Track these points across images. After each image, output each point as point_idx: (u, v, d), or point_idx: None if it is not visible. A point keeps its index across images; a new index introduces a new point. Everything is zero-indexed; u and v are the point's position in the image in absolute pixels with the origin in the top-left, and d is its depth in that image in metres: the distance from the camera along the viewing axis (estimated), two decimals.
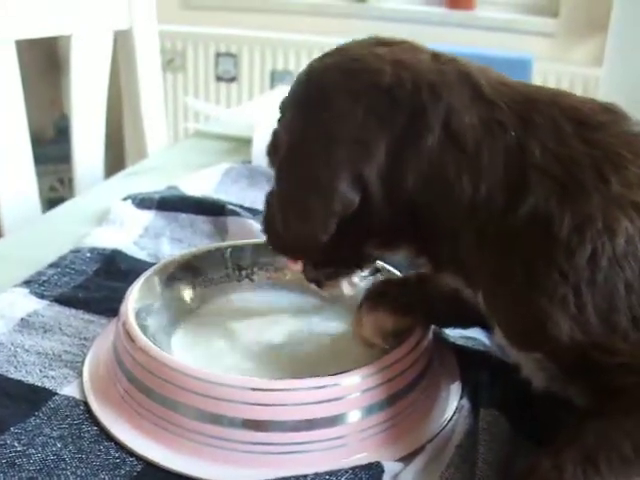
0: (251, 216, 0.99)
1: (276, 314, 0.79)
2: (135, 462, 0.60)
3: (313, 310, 0.79)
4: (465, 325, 0.74)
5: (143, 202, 1.04)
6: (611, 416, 0.54)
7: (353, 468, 0.58)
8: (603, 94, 1.15)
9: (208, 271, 0.79)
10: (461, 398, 0.67)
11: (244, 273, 0.81)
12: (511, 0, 3.06)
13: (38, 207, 1.33)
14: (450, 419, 0.65)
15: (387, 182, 0.60)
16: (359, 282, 0.73)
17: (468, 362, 0.71)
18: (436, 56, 0.64)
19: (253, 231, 0.94)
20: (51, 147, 2.82)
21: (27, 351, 0.72)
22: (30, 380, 0.68)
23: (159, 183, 1.13)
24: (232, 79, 3.17)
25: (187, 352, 0.70)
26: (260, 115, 1.37)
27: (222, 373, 0.62)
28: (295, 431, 0.60)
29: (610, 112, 0.61)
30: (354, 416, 0.61)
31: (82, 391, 0.67)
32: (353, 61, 0.63)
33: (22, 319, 0.77)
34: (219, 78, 3.19)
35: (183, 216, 1.01)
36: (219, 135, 1.40)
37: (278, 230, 0.65)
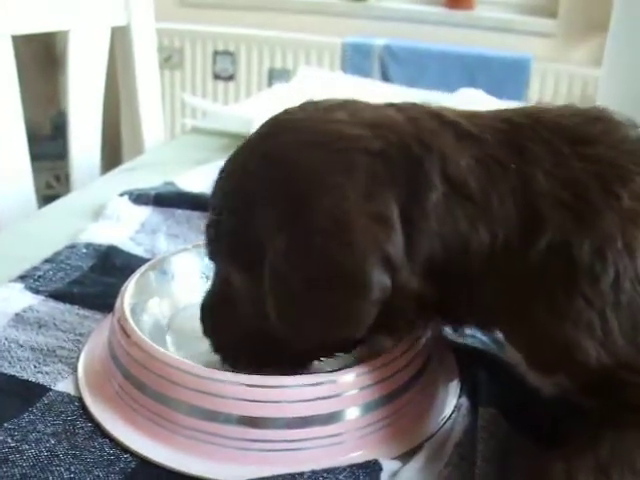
0: None
1: None
2: (130, 459, 0.59)
3: None
4: None
5: (139, 198, 1.03)
6: (628, 429, 0.54)
7: (351, 466, 0.57)
8: (602, 95, 1.15)
9: (205, 267, 0.78)
10: (460, 396, 0.67)
11: None
12: (510, 0, 3.06)
13: (34, 204, 1.32)
14: (449, 417, 0.65)
15: (408, 254, 0.56)
16: None
17: (467, 360, 0.71)
18: (394, 106, 0.62)
19: None
20: (47, 144, 2.81)
21: (21, 346, 0.71)
22: (24, 375, 0.67)
23: (156, 179, 1.13)
24: (230, 77, 3.17)
25: (182, 348, 0.70)
26: (257, 111, 1.37)
27: (217, 369, 0.61)
28: (291, 428, 0.59)
29: (598, 120, 0.61)
30: (351, 414, 0.60)
31: (77, 387, 0.66)
32: (324, 133, 0.58)
33: (17, 314, 0.76)
34: (217, 76, 3.19)
35: (179, 212, 1.00)
36: (216, 131, 1.39)
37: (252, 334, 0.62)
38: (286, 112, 0.63)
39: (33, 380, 0.67)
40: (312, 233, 0.54)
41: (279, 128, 0.62)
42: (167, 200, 1.03)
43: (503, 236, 0.56)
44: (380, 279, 0.53)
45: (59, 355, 0.71)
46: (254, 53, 3.12)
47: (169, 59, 3.17)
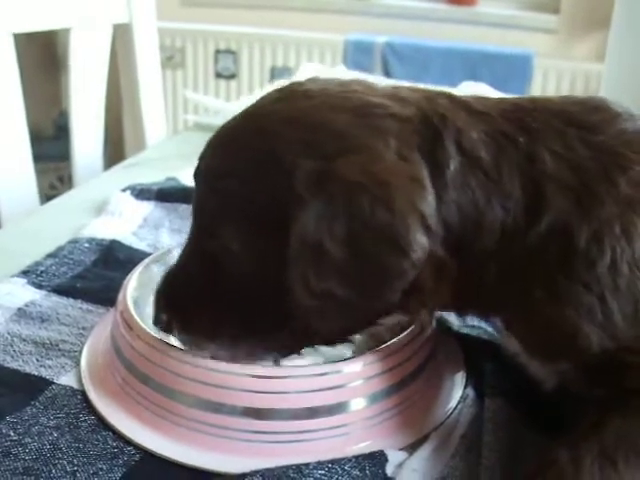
0: None
1: None
2: (133, 451, 0.59)
3: None
4: None
5: (142, 193, 1.03)
6: (631, 414, 0.54)
7: (356, 457, 0.57)
8: (605, 90, 1.15)
9: None
10: (465, 387, 0.66)
11: None
12: None
13: (38, 205, 1.32)
14: (455, 408, 0.64)
15: (439, 219, 0.55)
16: None
17: (472, 351, 0.70)
18: (405, 87, 0.63)
19: None
20: (50, 145, 2.81)
21: (24, 340, 0.71)
22: (27, 369, 0.67)
23: (158, 174, 1.13)
24: (232, 76, 3.17)
25: None
26: None
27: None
28: (297, 419, 0.58)
29: (598, 110, 0.61)
30: (357, 404, 0.60)
31: (79, 380, 0.66)
32: (349, 99, 0.58)
33: (19, 309, 0.76)
34: (219, 75, 3.18)
35: (183, 207, 1.00)
36: (216, 128, 1.38)
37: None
38: (297, 83, 0.62)
39: (36, 374, 0.66)
40: (349, 194, 0.52)
41: (298, 94, 0.60)
42: (169, 195, 1.03)
43: (513, 214, 0.56)
44: (421, 239, 0.52)
45: (62, 349, 0.70)
46: (256, 51, 3.11)
47: (171, 58, 3.16)
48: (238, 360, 0.60)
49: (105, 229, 0.93)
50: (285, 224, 0.54)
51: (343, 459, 0.56)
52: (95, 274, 0.84)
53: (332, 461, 0.56)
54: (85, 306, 0.77)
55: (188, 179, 1.10)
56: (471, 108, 0.59)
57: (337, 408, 0.59)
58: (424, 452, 0.59)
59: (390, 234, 0.51)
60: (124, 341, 0.64)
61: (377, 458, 0.57)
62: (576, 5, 2.85)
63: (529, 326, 0.59)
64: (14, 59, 1.25)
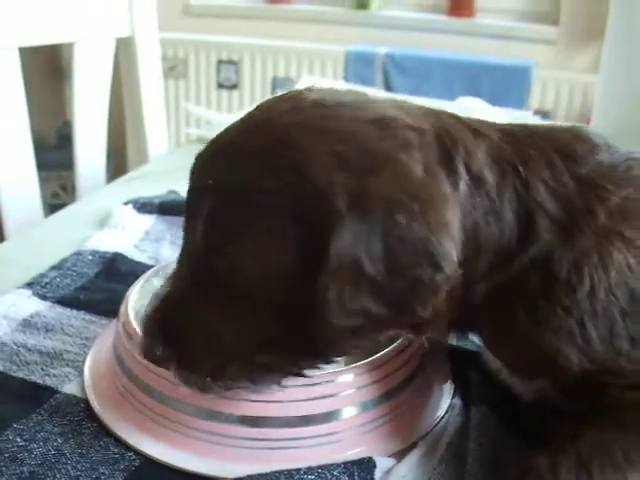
0: None
1: None
2: (134, 457, 0.61)
3: None
4: None
5: (144, 206, 1.05)
6: (608, 426, 0.57)
7: (345, 463, 0.59)
8: (599, 101, 1.17)
9: None
10: (453, 397, 0.69)
11: None
12: (512, 8, 3.07)
13: (41, 213, 1.35)
14: (442, 417, 0.67)
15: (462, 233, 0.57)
16: None
17: (460, 362, 0.73)
18: (407, 103, 0.63)
19: None
20: (53, 154, 2.83)
21: (29, 350, 0.73)
22: (32, 378, 0.70)
23: (160, 188, 1.15)
24: (233, 86, 3.19)
25: None
26: None
27: None
28: (290, 427, 0.61)
29: (581, 139, 0.64)
30: (348, 413, 0.63)
31: (83, 389, 0.69)
32: (368, 110, 0.58)
33: (25, 319, 0.78)
34: (220, 85, 3.21)
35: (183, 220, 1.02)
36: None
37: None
38: (297, 92, 0.61)
39: (41, 383, 0.69)
40: (386, 210, 0.51)
41: (308, 104, 0.58)
42: (171, 208, 1.05)
43: (507, 237, 0.59)
44: (452, 253, 0.53)
45: (66, 359, 0.73)
46: (257, 62, 3.14)
47: (173, 69, 3.19)
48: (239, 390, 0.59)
49: (108, 242, 0.96)
50: (313, 240, 0.52)
51: (332, 465, 0.59)
52: (98, 286, 0.86)
53: (322, 467, 0.58)
54: (88, 317, 0.80)
55: None
56: (475, 130, 0.61)
57: (329, 416, 0.62)
58: (412, 459, 0.62)
59: (426, 248, 0.52)
60: (125, 351, 0.67)
61: (366, 464, 0.60)
62: (575, 17, 2.87)
63: (510, 346, 0.62)
64: (19, 72, 1.28)
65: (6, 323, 0.77)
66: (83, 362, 0.72)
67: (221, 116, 1.66)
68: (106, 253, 0.93)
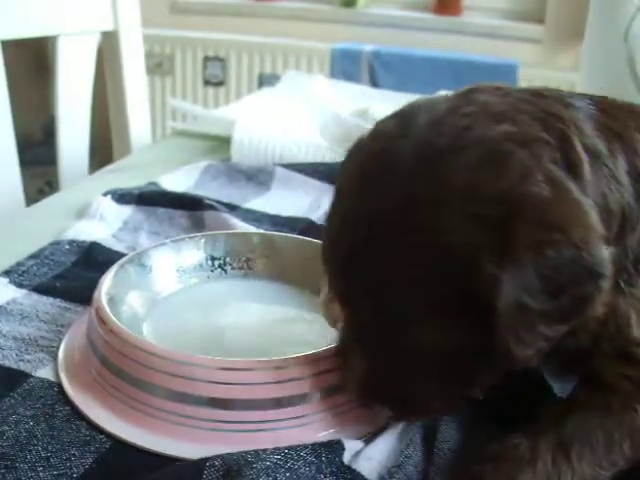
0: (228, 211, 1.02)
1: (246, 303, 0.82)
2: (105, 439, 0.62)
3: (283, 299, 0.82)
4: None
5: (123, 197, 1.06)
6: (592, 411, 0.58)
7: (313, 444, 0.60)
8: None
9: (182, 261, 0.81)
10: None
11: (217, 263, 0.83)
12: (498, 6, 3.09)
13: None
14: None
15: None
16: None
17: None
18: (504, 89, 0.63)
19: (230, 225, 0.96)
20: (39, 149, 2.83)
21: (4, 336, 0.74)
22: (6, 363, 0.70)
23: (140, 180, 1.15)
24: (220, 83, 3.20)
25: (158, 338, 0.72)
26: (239, 114, 1.40)
27: (190, 353, 0.63)
28: (260, 409, 0.62)
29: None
30: (319, 395, 0.63)
31: (56, 373, 0.69)
32: (492, 130, 0.56)
33: (1, 306, 0.79)
34: (207, 82, 3.21)
35: (161, 210, 1.03)
36: (200, 134, 1.42)
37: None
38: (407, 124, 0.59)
39: (15, 367, 0.70)
40: (533, 254, 0.52)
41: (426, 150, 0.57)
42: (149, 199, 1.05)
43: (627, 199, 0.59)
44: (604, 252, 0.53)
45: (40, 344, 0.73)
46: (244, 59, 3.14)
47: (160, 66, 3.19)
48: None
49: (86, 232, 0.96)
50: (471, 305, 0.53)
51: (300, 446, 0.59)
52: (75, 274, 0.87)
53: (289, 447, 0.59)
54: (64, 304, 0.80)
55: (169, 184, 1.13)
56: (565, 103, 0.61)
57: (299, 399, 0.62)
58: (381, 442, 0.62)
59: (581, 266, 0.52)
60: (98, 336, 0.67)
61: (334, 446, 0.60)
62: (561, 15, 2.89)
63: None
64: (2, 66, 1.28)
65: None
66: (57, 348, 0.73)
67: (200, 109, 1.67)
68: (84, 242, 0.93)
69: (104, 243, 0.94)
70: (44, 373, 0.69)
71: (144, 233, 0.99)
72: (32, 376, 0.69)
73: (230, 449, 0.59)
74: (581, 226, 0.53)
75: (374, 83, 2.83)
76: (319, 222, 1.03)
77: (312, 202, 1.11)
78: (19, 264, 0.87)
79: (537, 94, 0.61)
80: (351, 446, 0.61)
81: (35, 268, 0.87)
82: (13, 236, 0.99)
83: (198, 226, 1.00)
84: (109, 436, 0.62)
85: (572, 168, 0.57)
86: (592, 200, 0.56)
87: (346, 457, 0.60)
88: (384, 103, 1.29)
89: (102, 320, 0.67)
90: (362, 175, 0.59)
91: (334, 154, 1.25)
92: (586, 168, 0.57)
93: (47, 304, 0.80)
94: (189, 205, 1.03)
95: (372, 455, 0.61)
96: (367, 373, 0.60)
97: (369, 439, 0.63)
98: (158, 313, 0.77)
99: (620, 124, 0.61)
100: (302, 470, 0.57)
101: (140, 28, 1.57)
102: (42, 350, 0.72)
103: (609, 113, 0.62)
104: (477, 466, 0.57)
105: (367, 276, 0.56)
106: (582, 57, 1.19)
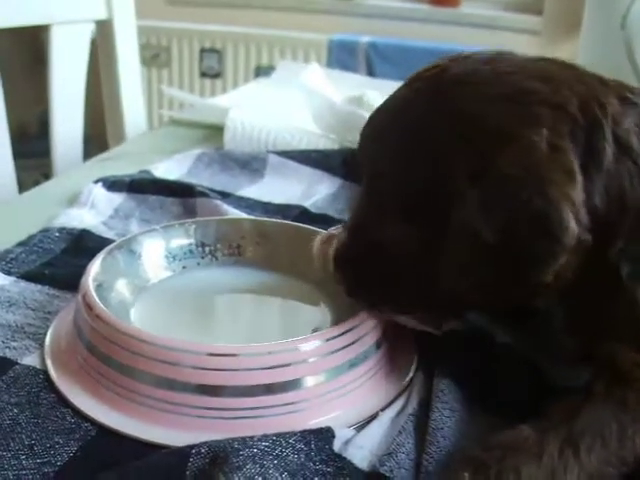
0: (220, 198, 1.01)
1: (236, 290, 0.80)
2: (90, 427, 0.61)
3: (274, 285, 0.80)
4: None
5: (114, 185, 1.04)
6: (605, 405, 0.56)
7: (302, 432, 0.58)
8: None
9: (172, 247, 0.80)
10: (417, 369, 0.68)
11: (207, 250, 0.82)
12: None
13: None
14: (405, 389, 0.67)
15: (589, 206, 0.57)
16: None
17: (426, 334, 0.72)
18: (551, 61, 0.64)
19: (221, 212, 0.95)
20: (35, 142, 2.81)
21: None
22: None
23: (133, 168, 1.14)
24: (216, 75, 3.18)
25: (145, 325, 0.71)
26: (232, 102, 1.39)
27: (177, 339, 0.62)
28: (249, 396, 0.61)
29: None
30: (309, 382, 0.62)
31: (43, 361, 0.68)
32: (503, 86, 0.60)
33: None
34: (203, 74, 3.20)
35: (153, 198, 1.01)
36: (193, 123, 1.41)
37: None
38: (440, 67, 0.64)
39: (0, 355, 0.68)
40: (506, 184, 0.55)
41: (445, 82, 0.62)
42: (141, 186, 1.04)
43: None
44: (572, 225, 0.54)
45: (27, 332, 0.72)
46: (241, 51, 3.13)
47: (156, 57, 3.18)
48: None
49: (76, 219, 0.95)
50: (437, 213, 0.59)
51: (289, 433, 0.58)
52: (64, 262, 0.86)
53: (278, 434, 0.57)
54: (52, 292, 0.79)
55: (161, 172, 1.12)
56: (621, 95, 0.61)
57: (290, 385, 0.61)
58: (372, 430, 0.61)
59: (544, 222, 0.54)
60: (85, 322, 0.66)
61: (324, 434, 0.59)
62: (559, 7, 2.87)
63: (607, 309, 0.61)
64: None
65: None
66: (44, 335, 0.72)
67: (194, 98, 1.65)
68: (73, 230, 0.92)
69: (95, 231, 0.93)
70: (30, 360, 0.68)
71: (135, 221, 0.98)
72: (18, 363, 0.67)
73: (219, 437, 0.58)
74: (559, 187, 0.55)
75: (371, 74, 2.81)
76: (312, 209, 1.02)
77: (305, 189, 1.10)
78: (7, 252, 0.86)
79: (602, 81, 0.62)
80: (342, 434, 0.60)
81: (24, 255, 0.86)
82: (3, 224, 0.98)
83: (190, 213, 0.99)
84: (94, 424, 0.61)
85: (590, 153, 0.57)
86: (603, 189, 0.57)
87: (336, 445, 0.59)
88: (379, 91, 1.28)
89: (89, 306, 0.66)
90: (394, 95, 0.66)
91: (328, 141, 1.24)
92: (608, 157, 0.58)
93: (35, 291, 0.79)
94: (181, 192, 1.02)
95: (363, 444, 0.59)
96: (357, 277, 0.67)
97: (360, 427, 0.62)
98: (147, 300, 0.75)
99: None
100: (290, 457, 0.56)
101: (134, 16, 1.55)
102: (29, 337, 0.71)
103: None
104: (482, 452, 0.55)
105: (372, 155, 0.66)
106: (580, 48, 1.18)
